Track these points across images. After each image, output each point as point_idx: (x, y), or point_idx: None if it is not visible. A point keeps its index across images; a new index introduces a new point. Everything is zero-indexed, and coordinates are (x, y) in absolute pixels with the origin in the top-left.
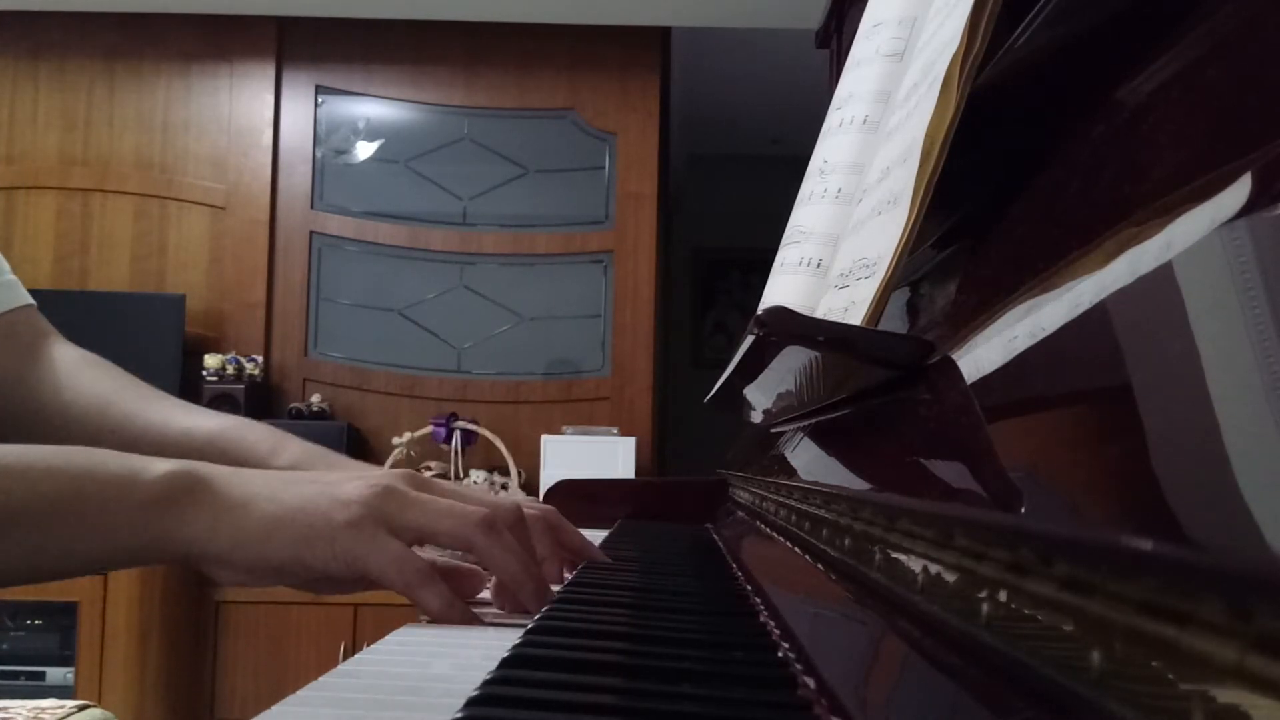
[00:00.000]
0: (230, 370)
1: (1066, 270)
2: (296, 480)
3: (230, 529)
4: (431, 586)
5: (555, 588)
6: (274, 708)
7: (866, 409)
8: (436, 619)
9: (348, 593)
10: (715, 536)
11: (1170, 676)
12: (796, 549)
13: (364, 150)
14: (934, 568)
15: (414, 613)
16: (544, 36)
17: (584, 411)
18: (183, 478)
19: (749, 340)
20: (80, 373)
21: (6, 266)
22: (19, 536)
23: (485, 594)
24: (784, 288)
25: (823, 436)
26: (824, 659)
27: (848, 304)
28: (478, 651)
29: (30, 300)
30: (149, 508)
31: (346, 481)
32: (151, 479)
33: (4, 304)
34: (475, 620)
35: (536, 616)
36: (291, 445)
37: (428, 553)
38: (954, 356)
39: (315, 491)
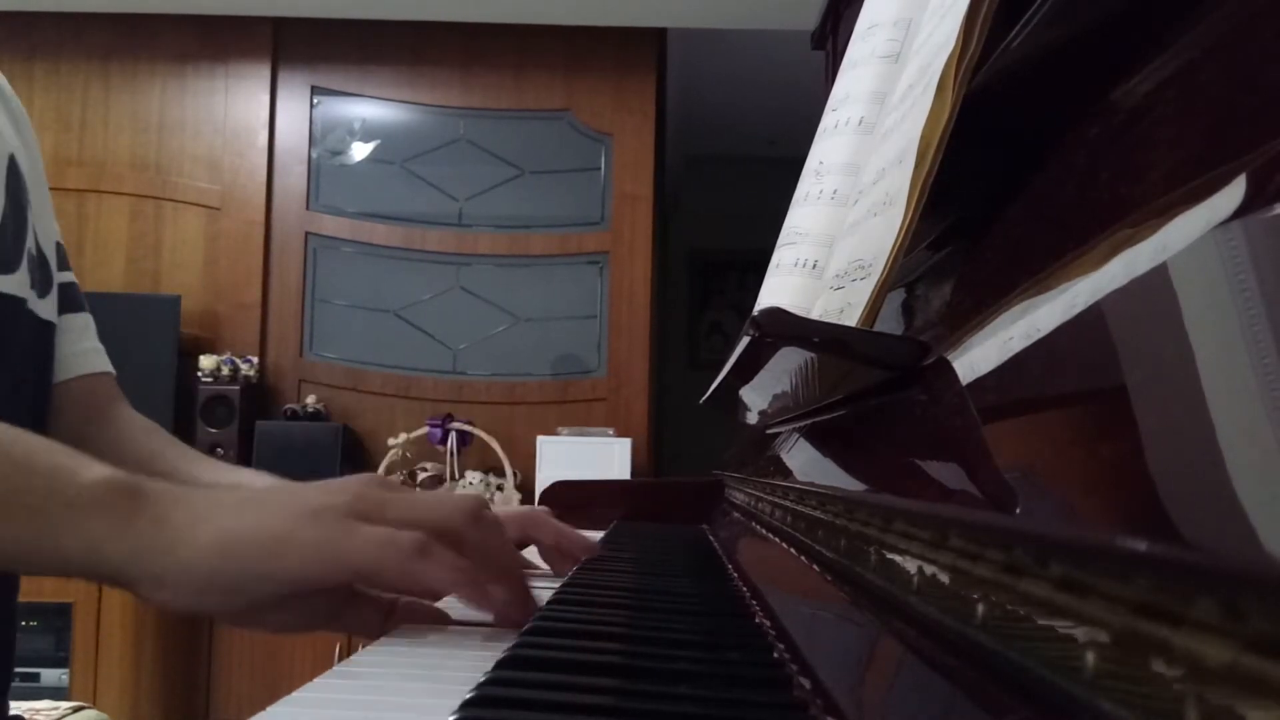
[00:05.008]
0: (225, 371)
1: (1062, 271)
2: (258, 495)
3: (177, 547)
4: (431, 557)
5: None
6: (269, 709)
7: (862, 410)
8: (449, 592)
9: (324, 623)
10: (711, 538)
11: (1165, 677)
12: (792, 550)
13: (360, 151)
14: (929, 568)
15: None
16: (540, 37)
17: (580, 412)
18: (121, 485)
19: (745, 341)
20: (138, 435)
21: (95, 334)
22: None
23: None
24: (780, 289)
25: (818, 437)
26: (819, 659)
27: (843, 305)
28: (472, 652)
29: (111, 369)
30: (81, 510)
31: (312, 490)
32: (88, 481)
33: (90, 367)
34: (488, 596)
35: (533, 617)
36: None
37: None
38: (949, 357)
39: (279, 502)
